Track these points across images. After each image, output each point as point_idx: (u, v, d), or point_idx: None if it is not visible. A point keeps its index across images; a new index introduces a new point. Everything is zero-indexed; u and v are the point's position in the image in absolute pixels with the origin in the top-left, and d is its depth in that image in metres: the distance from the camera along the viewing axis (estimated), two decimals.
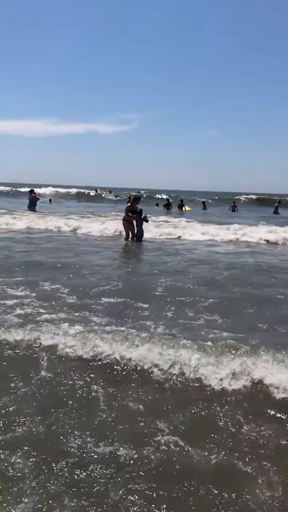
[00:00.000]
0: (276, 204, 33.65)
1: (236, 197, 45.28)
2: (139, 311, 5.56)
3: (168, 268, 8.75)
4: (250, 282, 7.54)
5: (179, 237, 14.16)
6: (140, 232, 12.83)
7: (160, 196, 45.47)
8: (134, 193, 15.99)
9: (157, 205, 33.74)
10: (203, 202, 36.46)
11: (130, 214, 12.76)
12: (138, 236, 12.76)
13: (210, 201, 44.09)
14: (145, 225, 13.13)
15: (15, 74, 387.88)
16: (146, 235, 13.33)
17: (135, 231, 12.76)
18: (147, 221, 13.08)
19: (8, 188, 51.49)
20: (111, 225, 15.44)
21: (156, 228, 15.16)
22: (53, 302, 5.76)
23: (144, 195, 37.70)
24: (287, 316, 5.61)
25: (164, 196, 42.71)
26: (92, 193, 50.79)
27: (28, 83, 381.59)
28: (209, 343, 4.31)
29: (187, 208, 32.38)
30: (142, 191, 49.70)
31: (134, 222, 12.77)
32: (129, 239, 12.83)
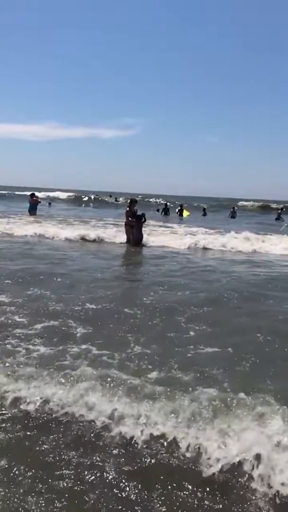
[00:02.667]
0: (279, 211, 33.35)
1: (234, 204, 44.83)
2: (125, 322, 5.23)
3: (163, 275, 8.45)
4: (248, 292, 7.17)
5: (188, 247, 13.66)
6: (139, 236, 12.72)
7: (159, 201, 45.31)
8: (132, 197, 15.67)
9: (158, 210, 33.41)
10: (204, 209, 36.05)
11: (130, 218, 12.74)
12: (137, 240, 12.63)
13: (207, 206, 43.91)
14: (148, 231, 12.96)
15: (18, 77, 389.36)
16: (154, 243, 13.06)
17: (135, 233, 12.66)
18: (145, 220, 12.95)
19: (5, 192, 51.20)
20: (110, 229, 15.13)
21: (160, 235, 14.78)
22: (35, 310, 5.46)
23: (140, 199, 37.50)
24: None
25: (163, 201, 42.46)
26: (92, 197, 50.62)
27: (31, 86, 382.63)
28: (185, 377, 3.70)
29: (187, 213, 32.05)
30: (140, 196, 49.51)
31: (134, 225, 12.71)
32: (130, 244, 12.69)
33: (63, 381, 3.53)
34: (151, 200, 47.45)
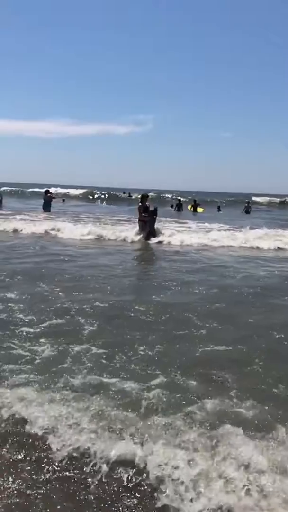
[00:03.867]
0: None
1: (248, 198, 44.11)
2: (134, 319, 5.09)
3: (176, 271, 8.29)
4: (264, 289, 6.95)
5: (201, 244, 13.37)
6: (151, 230, 12.67)
7: (171, 196, 45.09)
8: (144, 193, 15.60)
9: (172, 206, 33.13)
10: (218, 207, 35.58)
11: (143, 213, 12.82)
12: (150, 234, 12.59)
13: (222, 201, 43.45)
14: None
15: (29, 74, 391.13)
16: (167, 239, 12.91)
17: (148, 229, 12.67)
18: (156, 214, 12.98)
19: (18, 189, 51.29)
20: (122, 226, 15.04)
21: (173, 232, 14.55)
22: (42, 308, 5.37)
23: (155, 195, 37.29)
24: None
25: (175, 197, 42.18)
26: (105, 193, 50.56)
27: (42, 83, 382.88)
28: (189, 383, 3.42)
29: (201, 209, 31.69)
30: (153, 192, 49.30)
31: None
32: (145, 239, 12.65)
33: (55, 389, 3.25)
34: (163, 195, 47.16)
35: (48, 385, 3.34)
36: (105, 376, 3.53)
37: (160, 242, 12.53)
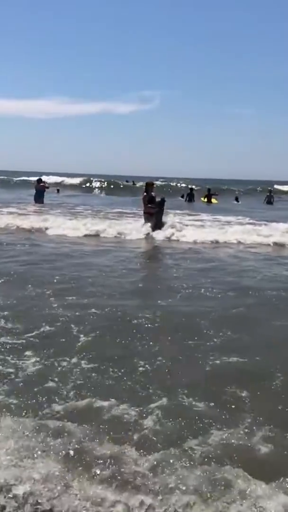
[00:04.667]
0: None
1: (270, 187, 43.78)
2: (135, 328, 4.99)
3: (185, 272, 8.21)
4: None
5: (216, 241, 13.17)
6: (159, 224, 12.66)
7: (179, 184, 45.12)
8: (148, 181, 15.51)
9: (182, 196, 33.08)
10: (236, 197, 35.44)
11: (149, 205, 12.81)
12: (154, 227, 12.58)
13: (241, 190, 43.26)
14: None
15: (24, 49, 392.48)
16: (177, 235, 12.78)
17: (155, 223, 12.66)
18: (163, 206, 13.03)
19: (5, 177, 51.32)
20: (124, 220, 15.02)
21: (184, 226, 14.39)
22: (29, 313, 5.32)
23: (164, 183, 37.22)
24: None
25: (185, 184, 42.14)
26: (106, 182, 50.54)
27: (37, 58, 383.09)
28: (195, 406, 3.26)
29: (215, 200, 31.55)
30: (160, 180, 49.29)
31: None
32: (151, 233, 12.61)
33: (31, 417, 3.06)
34: (172, 184, 47.11)
35: (26, 411, 3.16)
36: (95, 398, 3.38)
37: (168, 238, 12.39)
